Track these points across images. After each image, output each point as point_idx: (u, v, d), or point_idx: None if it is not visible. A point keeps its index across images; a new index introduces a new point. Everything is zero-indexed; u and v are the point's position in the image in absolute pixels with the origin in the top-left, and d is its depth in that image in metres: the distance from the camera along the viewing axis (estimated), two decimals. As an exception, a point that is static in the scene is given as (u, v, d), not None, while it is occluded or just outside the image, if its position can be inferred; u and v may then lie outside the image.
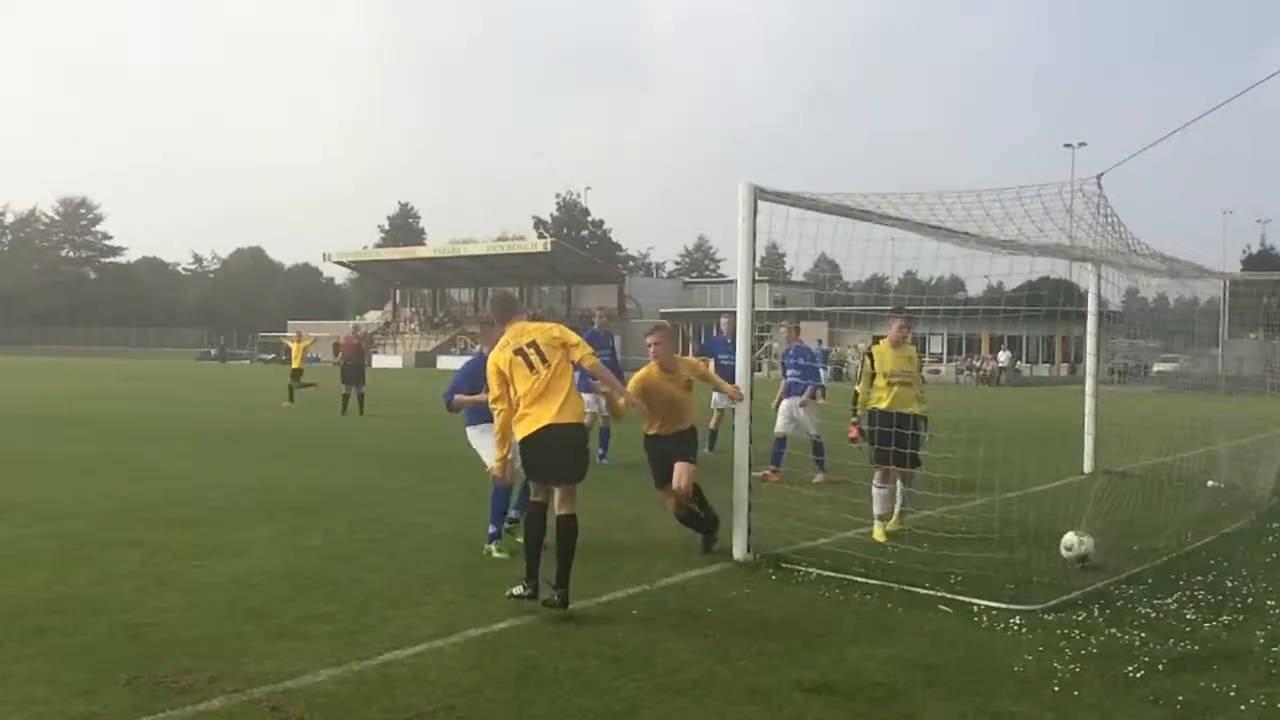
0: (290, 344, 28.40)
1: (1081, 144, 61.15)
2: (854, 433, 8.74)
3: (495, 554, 7.92)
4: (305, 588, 6.87)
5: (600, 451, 13.46)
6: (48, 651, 5.40)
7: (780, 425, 12.29)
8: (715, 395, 14.02)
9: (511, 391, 6.35)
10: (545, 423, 6.21)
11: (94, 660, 5.27)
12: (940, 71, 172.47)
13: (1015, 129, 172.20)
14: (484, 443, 7.65)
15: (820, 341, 36.76)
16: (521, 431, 6.29)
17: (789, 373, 12.83)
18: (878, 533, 8.67)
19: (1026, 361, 53.98)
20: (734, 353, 13.44)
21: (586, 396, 13.87)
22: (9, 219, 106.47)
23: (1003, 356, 51.85)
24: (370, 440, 17.31)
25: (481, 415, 7.69)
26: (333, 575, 7.26)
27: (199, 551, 7.93)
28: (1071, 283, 13.69)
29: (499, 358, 6.41)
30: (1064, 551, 7.68)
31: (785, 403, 12.55)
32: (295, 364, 25.99)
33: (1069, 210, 6.89)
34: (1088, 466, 13.33)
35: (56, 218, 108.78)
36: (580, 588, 6.93)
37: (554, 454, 6.30)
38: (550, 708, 4.78)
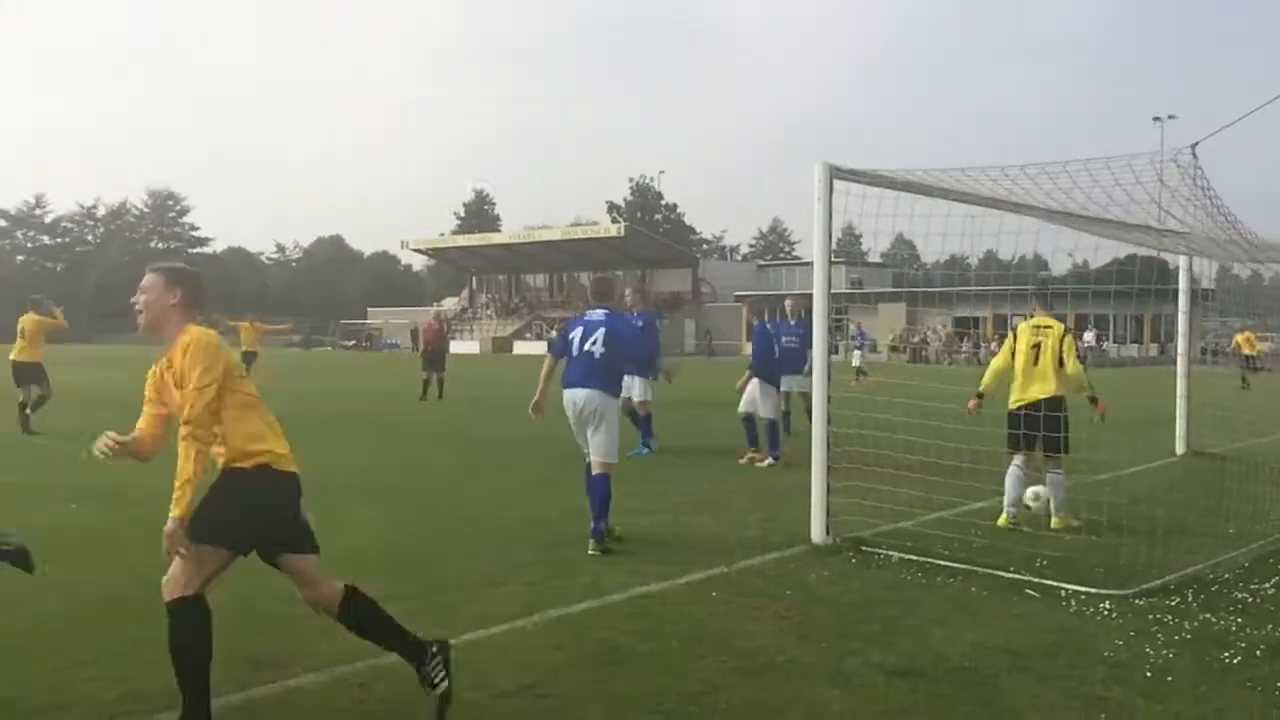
0: (239, 325, 26.01)
1: (1171, 117, 59.11)
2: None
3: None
4: (390, 568, 6.98)
5: (644, 441, 13.25)
6: (142, 629, 5.54)
7: (742, 405, 12.79)
8: (783, 378, 13.99)
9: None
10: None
11: (188, 637, 5.42)
12: (1022, 47, 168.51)
13: (1101, 105, 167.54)
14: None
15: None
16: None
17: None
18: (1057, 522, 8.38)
19: (1114, 342, 52.56)
20: (796, 334, 13.60)
21: (628, 380, 14.06)
22: (101, 212, 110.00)
23: (1088, 336, 50.56)
24: (448, 425, 17.55)
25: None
26: (416, 555, 7.38)
27: (286, 533, 8.10)
28: (1162, 260, 13.25)
29: None
30: (1031, 502, 8.33)
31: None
32: (247, 347, 25.08)
33: (1160, 180, 6.66)
34: (1179, 448, 12.97)
35: (146, 210, 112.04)
36: (658, 570, 6.96)
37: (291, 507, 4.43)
38: (631, 687, 4.79)
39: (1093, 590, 6.38)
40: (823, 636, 5.56)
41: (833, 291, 7.98)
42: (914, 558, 7.23)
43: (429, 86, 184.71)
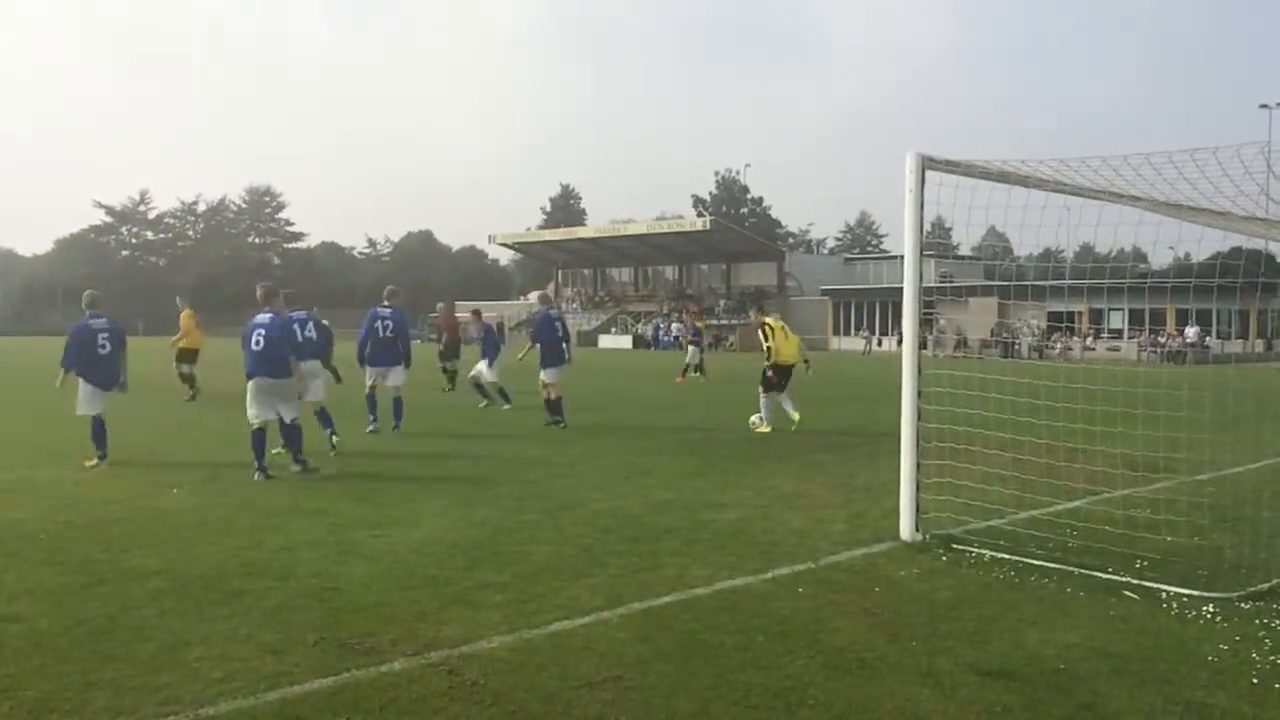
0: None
1: (1280, 104, 56.64)
2: None
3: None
4: (476, 558, 7.09)
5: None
6: (244, 612, 5.75)
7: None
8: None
9: None
10: None
11: (284, 621, 5.59)
12: (1121, 36, 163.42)
13: (1200, 96, 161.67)
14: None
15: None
16: None
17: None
18: None
19: (1217, 338, 50.69)
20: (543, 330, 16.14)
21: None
22: (201, 208, 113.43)
23: (1190, 332, 48.89)
24: (532, 416, 17.68)
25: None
26: (501, 547, 7.46)
27: (378, 522, 8.29)
28: (1269, 254, 12.73)
29: None
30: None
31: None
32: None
33: (1270, 169, 6.39)
34: (1287, 448, 12.45)
35: (244, 206, 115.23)
36: (743, 564, 6.94)
37: None
38: (716, 681, 4.78)
39: (1195, 593, 6.17)
40: (913, 635, 5.48)
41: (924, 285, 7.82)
42: (1006, 556, 7.07)
43: (513, 82, 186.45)
